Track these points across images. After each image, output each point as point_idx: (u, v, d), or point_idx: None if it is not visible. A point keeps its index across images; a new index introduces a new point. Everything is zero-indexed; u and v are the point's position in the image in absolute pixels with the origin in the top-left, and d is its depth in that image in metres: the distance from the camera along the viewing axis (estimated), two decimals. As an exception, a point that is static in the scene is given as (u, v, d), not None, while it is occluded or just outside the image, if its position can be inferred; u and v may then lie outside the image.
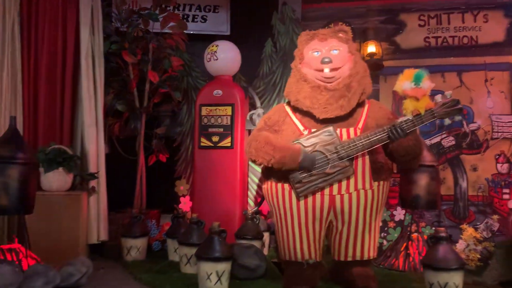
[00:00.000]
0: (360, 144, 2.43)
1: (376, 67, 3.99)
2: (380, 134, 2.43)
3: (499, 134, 3.87)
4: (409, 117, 2.38)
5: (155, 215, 3.90)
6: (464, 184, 3.87)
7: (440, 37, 4.06)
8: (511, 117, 3.86)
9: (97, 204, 3.45)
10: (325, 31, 2.74)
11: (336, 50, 2.63)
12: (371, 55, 3.98)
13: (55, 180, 3.17)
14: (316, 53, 2.64)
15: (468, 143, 3.87)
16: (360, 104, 2.67)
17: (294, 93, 2.65)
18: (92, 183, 3.42)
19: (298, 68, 2.70)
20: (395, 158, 2.55)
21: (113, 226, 3.61)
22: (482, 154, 3.86)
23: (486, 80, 3.93)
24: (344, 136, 2.52)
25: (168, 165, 4.24)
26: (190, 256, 2.85)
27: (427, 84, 2.27)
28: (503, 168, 3.83)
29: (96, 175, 3.41)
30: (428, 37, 4.09)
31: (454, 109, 2.32)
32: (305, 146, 2.48)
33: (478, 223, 3.76)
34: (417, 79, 2.25)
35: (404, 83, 2.29)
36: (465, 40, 4.01)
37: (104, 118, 3.66)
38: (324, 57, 2.57)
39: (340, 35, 2.70)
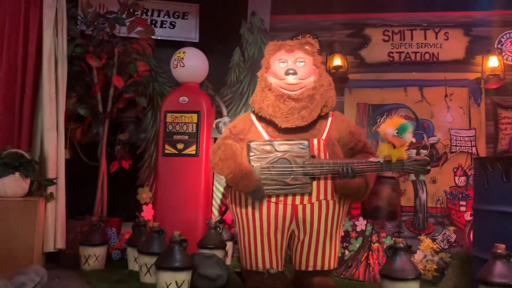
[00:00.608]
0: (327, 167, 2.47)
1: (341, 80, 4.07)
2: (347, 166, 2.47)
3: (457, 148, 4.00)
4: (380, 160, 2.44)
5: (115, 223, 3.80)
6: (423, 196, 3.97)
7: (403, 52, 4.19)
8: (469, 131, 4.00)
9: (55, 211, 3.33)
10: (292, 43, 2.78)
11: (301, 62, 2.67)
12: (337, 68, 4.05)
13: (11, 185, 3.04)
14: (282, 63, 2.67)
15: (428, 156, 3.97)
16: (324, 116, 2.71)
17: (259, 101, 2.67)
18: (50, 189, 3.30)
19: (264, 77, 2.72)
20: (338, 192, 2.61)
21: (71, 234, 3.50)
22: (441, 167, 3.98)
23: (446, 96, 4.07)
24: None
25: (131, 172, 4.15)
26: (150, 266, 2.79)
27: (408, 137, 2.35)
28: (461, 181, 3.96)
29: (54, 180, 3.30)
30: (392, 52, 4.20)
31: (422, 168, 2.41)
32: (276, 150, 2.48)
33: (436, 234, 3.87)
34: (401, 130, 2.33)
35: (388, 128, 2.36)
36: (427, 56, 4.15)
37: (65, 122, 3.55)
38: (289, 68, 2.60)
39: (307, 47, 2.74)
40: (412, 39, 4.19)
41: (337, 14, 4.26)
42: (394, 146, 2.41)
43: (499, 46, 4.05)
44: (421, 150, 2.48)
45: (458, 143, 4.01)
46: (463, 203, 3.91)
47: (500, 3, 4.06)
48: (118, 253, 3.53)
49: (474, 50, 4.08)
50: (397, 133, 2.36)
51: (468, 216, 3.85)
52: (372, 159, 2.49)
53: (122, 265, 3.30)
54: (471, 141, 4.00)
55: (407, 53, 4.18)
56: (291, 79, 2.60)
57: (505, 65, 3.95)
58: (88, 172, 4.06)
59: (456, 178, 3.97)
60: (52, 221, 3.30)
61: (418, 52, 4.17)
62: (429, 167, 2.43)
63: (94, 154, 4.03)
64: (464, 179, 3.95)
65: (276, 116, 2.57)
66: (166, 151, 3.70)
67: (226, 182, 2.55)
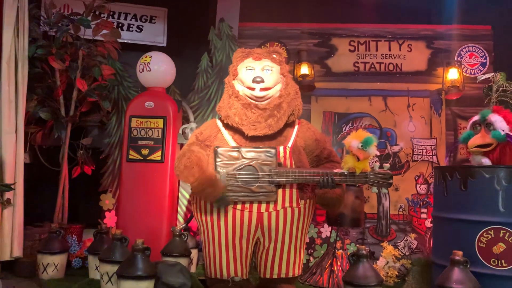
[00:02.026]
0: (293, 177, 2.48)
1: (308, 88, 4.12)
2: (314, 175, 2.49)
3: (419, 156, 4.12)
4: (345, 171, 2.48)
5: (76, 230, 3.70)
6: (386, 204, 4.06)
7: (368, 62, 4.28)
8: (430, 141, 4.13)
9: (12, 218, 3.22)
10: (260, 51, 2.79)
11: (268, 70, 2.68)
12: (304, 76, 4.10)
13: (-35, 190, 2.92)
14: (249, 71, 2.67)
15: (391, 164, 4.07)
16: (291, 124, 2.73)
17: (225, 109, 2.66)
18: (8, 194, 3.18)
19: (231, 84, 2.72)
20: (317, 202, 2.63)
21: (29, 242, 3.39)
22: (403, 175, 4.09)
23: (408, 106, 4.18)
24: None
25: (93, 177, 4.06)
26: (111, 274, 2.71)
27: (372, 151, 2.41)
28: (422, 188, 4.07)
29: (12, 186, 3.18)
30: (357, 62, 4.29)
31: (385, 182, 2.46)
32: (243, 157, 2.48)
33: (398, 241, 3.95)
34: (365, 143, 2.38)
35: (353, 141, 2.41)
36: (391, 67, 4.26)
37: (25, 126, 3.45)
38: (256, 76, 2.60)
39: (274, 56, 2.76)
40: (377, 50, 4.29)
41: (304, 24, 4.32)
42: (359, 159, 2.46)
43: (458, 59, 4.20)
44: (384, 164, 2.53)
45: (420, 152, 4.13)
46: (424, 210, 4.02)
47: (460, 18, 4.22)
48: (78, 261, 3.42)
49: (436, 62, 4.22)
50: (361, 146, 2.42)
51: (428, 223, 3.96)
52: (336, 170, 2.53)
53: (83, 274, 3.20)
54: (432, 150, 4.12)
55: (372, 63, 4.28)
56: (258, 91, 2.60)
57: (464, 77, 4.10)
58: (48, 177, 3.97)
59: (418, 186, 4.08)
60: (9, 228, 3.19)
61: (383, 63, 4.27)
62: (391, 181, 2.49)
63: (56, 159, 3.93)
64: (425, 187, 4.07)
65: (243, 124, 2.57)
66: (131, 157, 3.62)
67: (191, 189, 2.53)
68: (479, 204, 2.54)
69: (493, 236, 2.46)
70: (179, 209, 3.83)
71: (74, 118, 3.86)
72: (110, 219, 3.84)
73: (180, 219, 3.82)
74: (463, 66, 4.17)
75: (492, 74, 2.96)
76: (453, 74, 4.07)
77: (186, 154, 2.56)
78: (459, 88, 4.04)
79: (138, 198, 3.56)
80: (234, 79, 2.72)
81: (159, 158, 3.60)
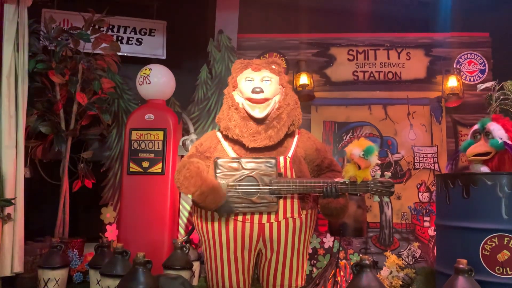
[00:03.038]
0: (294, 187, 2.47)
1: (308, 98, 4.13)
2: (315, 185, 2.48)
3: (420, 164, 4.10)
4: (346, 180, 2.47)
5: (78, 244, 3.68)
6: (389, 212, 4.03)
7: (367, 71, 4.29)
8: (431, 148, 4.12)
9: (12, 233, 3.19)
10: (259, 61, 2.79)
11: (268, 81, 2.67)
12: (303, 86, 4.10)
13: (-35, 206, 2.91)
14: (249, 81, 2.67)
15: (392, 173, 4.05)
16: (290, 134, 2.72)
17: (225, 120, 2.65)
18: (8, 209, 3.17)
19: (230, 96, 2.71)
20: (320, 210, 2.61)
21: (30, 257, 3.36)
22: (405, 184, 4.07)
23: (408, 114, 4.18)
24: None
25: (94, 191, 4.05)
26: (113, 288, 2.69)
27: (374, 160, 2.41)
28: (424, 197, 4.05)
29: (12, 201, 3.17)
30: (356, 71, 4.30)
31: (387, 190, 2.46)
32: (243, 168, 2.46)
33: (402, 250, 3.92)
34: (367, 152, 2.38)
35: (355, 149, 2.41)
36: (390, 75, 4.26)
37: (25, 140, 3.44)
38: (256, 86, 2.60)
39: (273, 66, 2.76)
40: (375, 59, 4.30)
41: (303, 34, 4.34)
42: (360, 168, 2.45)
43: (457, 66, 4.21)
44: (385, 172, 2.52)
45: (421, 160, 4.11)
46: (427, 218, 4.00)
47: (457, 26, 4.24)
48: (80, 275, 3.40)
49: (435, 70, 4.23)
50: (363, 155, 2.40)
51: (432, 232, 3.93)
52: (338, 179, 2.51)
53: (84, 289, 3.18)
54: (433, 157, 4.11)
55: (371, 72, 4.29)
56: (257, 97, 2.59)
57: (463, 84, 4.10)
58: (49, 192, 3.96)
59: (420, 194, 4.06)
60: (10, 243, 3.16)
61: (382, 71, 4.28)
62: (392, 189, 2.47)
63: (56, 173, 3.92)
64: (428, 195, 4.05)
65: (244, 136, 2.56)
66: (131, 169, 3.61)
67: (193, 200, 2.51)
68: (482, 211, 2.52)
69: (497, 243, 2.43)
70: (180, 221, 3.81)
71: (74, 132, 3.86)
72: (111, 233, 3.82)
73: (182, 231, 3.79)
74: (462, 73, 4.18)
75: (491, 83, 2.96)
76: (452, 82, 4.07)
77: (186, 165, 2.54)
78: (458, 95, 4.04)
79: (139, 211, 3.54)
80: (233, 90, 2.71)
81: (160, 170, 3.59)
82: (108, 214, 3.94)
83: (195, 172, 2.47)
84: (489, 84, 2.94)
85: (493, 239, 2.45)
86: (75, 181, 3.97)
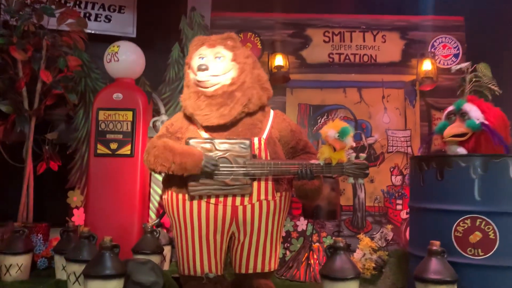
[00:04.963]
0: (268, 169, 2.41)
1: (283, 80, 4.05)
2: (290, 167, 2.42)
3: (394, 148, 4.10)
4: (321, 162, 2.42)
5: (42, 229, 3.53)
6: (362, 195, 4.03)
7: (343, 54, 4.23)
8: (404, 132, 4.12)
9: (-29, 217, 3.03)
10: (214, 37, 2.68)
11: (220, 57, 2.57)
12: (278, 67, 4.02)
13: None
14: (201, 59, 2.58)
15: (366, 156, 4.04)
16: (260, 113, 2.64)
17: (183, 99, 2.62)
18: (-34, 193, 3.00)
19: (186, 74, 2.66)
20: (294, 193, 2.55)
21: (-9, 242, 3.19)
22: (378, 167, 4.06)
23: (383, 97, 4.16)
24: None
25: (60, 174, 3.89)
26: (79, 274, 2.58)
27: (349, 141, 2.36)
28: (397, 180, 4.06)
29: (-29, 184, 3.00)
30: (332, 53, 4.23)
31: (361, 172, 2.42)
32: (216, 149, 2.38)
33: (374, 233, 3.93)
34: (342, 133, 2.33)
35: (330, 130, 2.35)
36: (365, 58, 4.22)
37: (-16, 120, 3.26)
38: (201, 64, 2.51)
39: (228, 42, 2.65)
40: (351, 41, 4.24)
41: (279, 14, 4.23)
42: (335, 149, 2.40)
43: (432, 50, 4.20)
44: (360, 154, 2.48)
45: (395, 143, 4.11)
46: (400, 201, 4.01)
47: (433, 9, 4.22)
48: (44, 261, 3.26)
49: (410, 53, 4.21)
50: (338, 136, 2.35)
51: (404, 215, 3.96)
52: (313, 161, 2.46)
53: (49, 275, 3.05)
54: (406, 141, 4.11)
55: (347, 54, 4.23)
56: (201, 75, 2.50)
57: (438, 68, 4.10)
58: (12, 175, 3.77)
59: (393, 177, 4.07)
60: (-32, 228, 3.00)
61: (357, 54, 4.23)
62: (367, 171, 2.44)
63: (20, 155, 3.73)
64: (400, 178, 4.06)
65: (196, 114, 2.50)
66: (99, 151, 3.48)
67: (173, 172, 2.37)
68: (456, 193, 2.51)
69: (469, 225, 2.44)
70: (151, 205, 3.71)
71: (38, 112, 3.68)
72: (78, 217, 3.68)
73: (152, 215, 3.69)
74: (436, 57, 4.17)
75: (466, 64, 2.94)
76: (426, 65, 4.06)
77: (154, 144, 2.45)
78: (433, 79, 4.04)
79: (107, 195, 3.43)
80: (188, 68, 2.64)
81: (129, 152, 3.47)
82: (75, 198, 3.81)
83: (163, 147, 2.39)
84: (463, 65, 2.93)
85: (465, 221, 2.45)
86: (40, 163, 3.79)
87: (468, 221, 2.45)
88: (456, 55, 4.20)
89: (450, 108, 2.77)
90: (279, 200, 2.54)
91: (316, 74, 4.19)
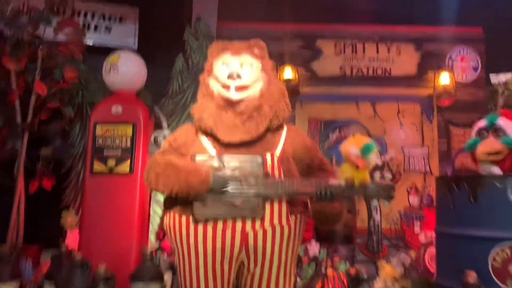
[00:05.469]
0: (283, 189, 2.14)
1: (292, 93, 3.83)
2: (308, 187, 2.16)
3: (411, 166, 3.85)
4: (342, 182, 2.15)
5: (33, 252, 3.27)
6: (377, 217, 3.76)
7: (355, 66, 4.03)
8: (422, 149, 3.87)
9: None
10: (239, 44, 2.44)
11: (248, 66, 2.34)
12: (288, 80, 3.82)
13: None
14: (225, 66, 2.33)
15: (381, 175, 3.79)
16: (277, 129, 2.40)
17: (199, 110, 2.30)
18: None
19: (205, 82, 2.36)
20: (312, 217, 2.29)
21: (-25, 268, 2.93)
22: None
23: (398, 112, 3.95)
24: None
25: (54, 192, 3.65)
26: (69, 307, 2.32)
27: (373, 158, 2.08)
28: (415, 201, 3.80)
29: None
30: (343, 66, 4.04)
31: (387, 194, 2.15)
32: (224, 166, 2.13)
33: (391, 257, 3.66)
34: (365, 150, 2.06)
35: (351, 147, 2.08)
36: (379, 71, 4.02)
37: (-27, 135, 3.03)
38: (233, 71, 2.27)
39: (255, 50, 2.42)
40: (364, 53, 4.04)
41: (288, 24, 4.04)
42: (357, 168, 2.15)
43: (450, 62, 3.99)
44: (385, 174, 2.23)
45: (412, 161, 3.87)
46: (418, 224, 3.75)
47: (449, 19, 4.01)
48: (33, 289, 2.99)
49: (426, 65, 4.03)
50: (361, 153, 2.10)
51: (423, 238, 3.68)
52: (332, 181, 2.20)
53: (38, 304, 2.78)
54: (424, 159, 3.87)
55: (359, 67, 4.03)
56: (233, 91, 2.26)
57: (456, 82, 3.89)
58: (2, 193, 3.51)
59: (410, 197, 3.81)
60: (-50, 253, 2.73)
61: (370, 67, 4.03)
62: (393, 193, 2.18)
63: (11, 172, 3.49)
64: (418, 199, 3.80)
65: (218, 128, 2.22)
66: (95, 169, 3.24)
67: (178, 193, 2.12)
68: (492, 218, 2.26)
69: (509, 254, 2.17)
70: (150, 227, 3.45)
71: (31, 126, 3.46)
72: (72, 239, 3.42)
73: (152, 238, 3.42)
74: (454, 70, 3.96)
75: (508, 74, 2.71)
76: (444, 79, 3.86)
77: (156, 162, 2.20)
78: (451, 93, 3.82)
79: (103, 216, 3.19)
80: (209, 76, 2.37)
81: (128, 170, 3.23)
82: (69, 219, 3.55)
83: (165, 164, 2.12)
84: (508, 76, 2.68)
85: (504, 249, 2.19)
86: (32, 181, 3.54)
87: (508, 250, 2.18)
88: (475, 68, 3.99)
89: (481, 123, 2.53)
90: (294, 224, 2.27)
91: (327, 87, 4.00)
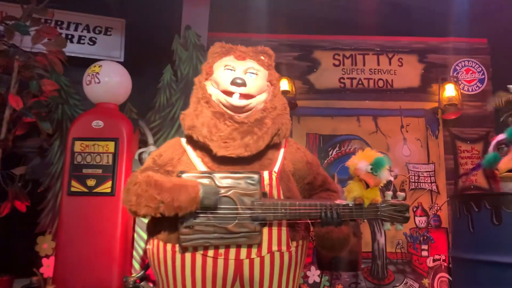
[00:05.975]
0: (283, 211, 1.88)
1: (289, 106, 3.57)
2: (311, 209, 1.89)
3: (416, 184, 3.60)
4: (349, 202, 1.89)
5: (3, 283, 2.96)
6: (382, 240, 3.48)
7: (355, 78, 3.81)
8: (428, 166, 3.63)
9: None
10: (244, 49, 2.21)
11: (253, 73, 2.09)
12: (284, 93, 3.57)
13: None
14: (228, 71, 2.08)
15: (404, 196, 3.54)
16: (275, 145, 2.13)
17: (191, 117, 2.03)
18: None
19: (202, 85, 2.11)
20: (316, 243, 2.01)
21: None
22: (401, 206, 3.54)
23: (402, 126, 3.72)
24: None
25: (29, 216, 3.32)
26: None
27: (385, 175, 1.84)
28: (421, 221, 3.54)
29: None
30: (343, 78, 3.81)
31: (401, 216, 1.89)
32: (216, 185, 1.85)
33: (397, 284, 3.37)
34: (376, 165, 1.81)
35: (361, 162, 1.84)
36: (381, 83, 3.81)
37: None
38: (237, 77, 2.01)
39: (262, 57, 2.18)
40: (364, 65, 3.83)
41: (283, 35, 3.84)
42: (367, 186, 1.89)
43: (454, 74, 3.78)
44: (398, 193, 1.96)
45: (417, 179, 3.62)
46: (425, 247, 3.48)
47: (453, 30, 3.84)
48: (0, 326, 2.66)
49: (430, 78, 3.83)
50: (371, 169, 1.84)
51: (431, 262, 3.41)
52: (338, 201, 1.93)
53: None
54: (430, 176, 3.61)
55: (360, 79, 3.81)
56: (236, 98, 2.00)
57: (462, 94, 3.67)
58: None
59: (416, 218, 3.55)
60: None
61: (371, 79, 3.81)
62: (408, 215, 1.91)
63: (-18, 193, 3.19)
64: (425, 220, 3.54)
65: (212, 139, 1.96)
66: (73, 189, 2.95)
67: (163, 214, 1.83)
68: (519, 241, 2.00)
69: (541, 283, 1.91)
70: (134, 253, 3.14)
71: (5, 143, 3.16)
72: (48, 267, 3.11)
73: (136, 266, 3.11)
74: (459, 82, 3.75)
75: None
76: (449, 91, 3.64)
77: (135, 181, 1.91)
78: (457, 106, 3.61)
79: (82, 241, 2.90)
80: (207, 79, 2.11)
81: (109, 190, 2.95)
82: (45, 245, 3.24)
83: (146, 183, 1.84)
84: None
85: (535, 278, 1.92)
86: (4, 203, 3.23)
87: (539, 278, 1.92)
88: (481, 80, 3.78)
89: (501, 137, 2.30)
90: (295, 251, 2.00)
91: (326, 100, 3.77)
